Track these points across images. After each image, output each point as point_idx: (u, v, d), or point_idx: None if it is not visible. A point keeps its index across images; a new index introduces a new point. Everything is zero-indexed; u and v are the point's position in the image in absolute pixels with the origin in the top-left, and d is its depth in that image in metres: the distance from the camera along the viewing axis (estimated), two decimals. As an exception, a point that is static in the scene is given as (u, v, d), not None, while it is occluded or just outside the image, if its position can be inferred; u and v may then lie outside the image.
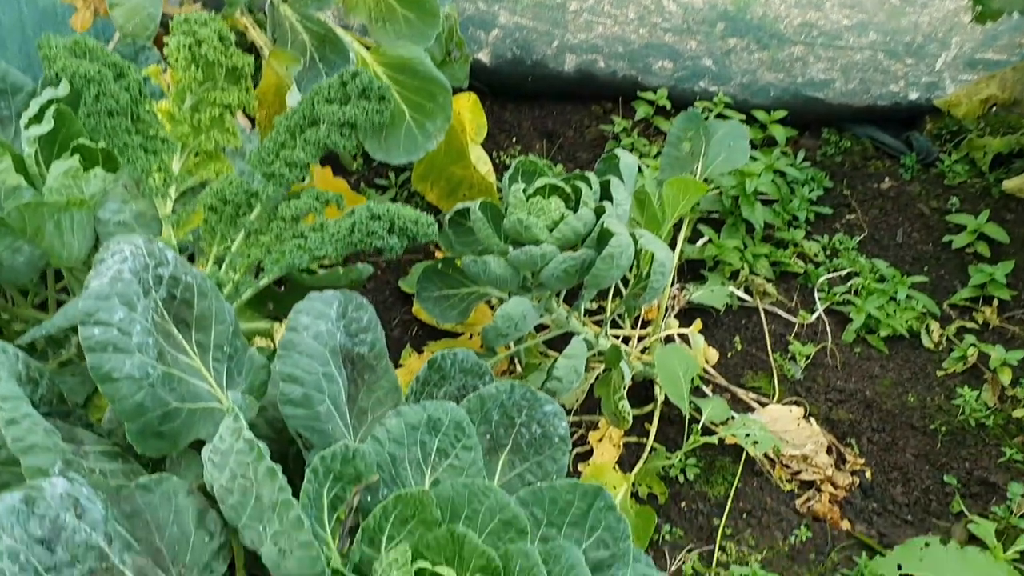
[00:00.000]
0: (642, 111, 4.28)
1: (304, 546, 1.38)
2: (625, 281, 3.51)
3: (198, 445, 1.73)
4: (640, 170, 3.17)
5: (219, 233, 2.07)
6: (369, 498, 1.82)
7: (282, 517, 1.37)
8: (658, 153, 4.01)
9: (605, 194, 2.83)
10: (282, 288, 3.25)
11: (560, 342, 3.43)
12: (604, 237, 2.65)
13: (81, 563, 1.27)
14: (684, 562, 2.86)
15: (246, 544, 1.46)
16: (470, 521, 1.79)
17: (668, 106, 4.25)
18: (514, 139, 4.25)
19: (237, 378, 1.78)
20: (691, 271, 3.80)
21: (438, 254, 3.70)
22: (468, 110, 3.34)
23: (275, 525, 1.38)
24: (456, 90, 3.19)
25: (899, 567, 2.69)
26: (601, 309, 3.62)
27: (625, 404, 2.79)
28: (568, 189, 2.78)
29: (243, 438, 1.35)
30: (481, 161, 3.40)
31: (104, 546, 1.30)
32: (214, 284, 1.75)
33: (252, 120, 3.27)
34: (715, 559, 2.87)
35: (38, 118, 2.15)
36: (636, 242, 2.68)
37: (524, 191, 2.78)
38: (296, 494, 1.48)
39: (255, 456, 1.35)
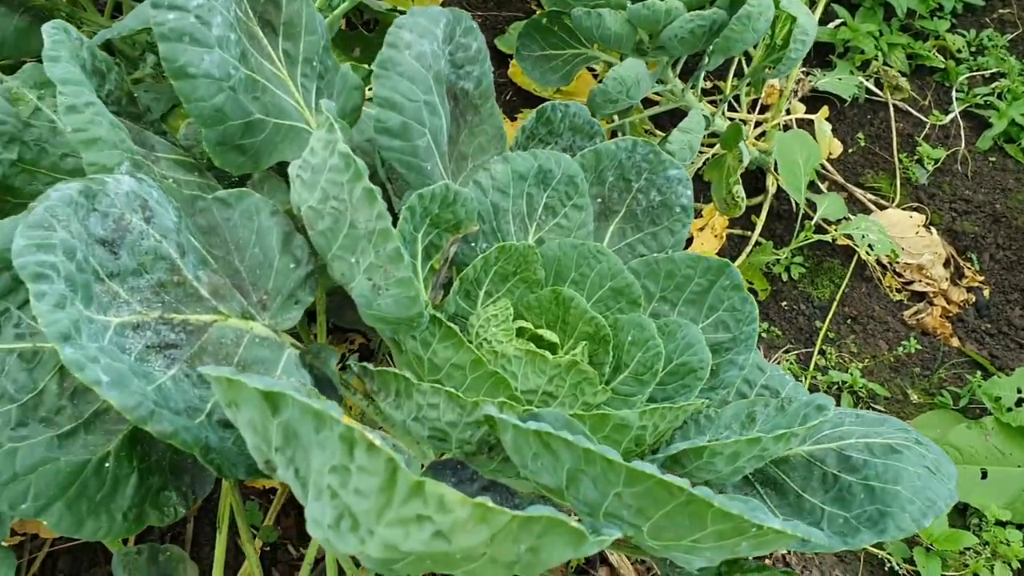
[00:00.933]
0: None
1: (402, 283, 1.19)
2: (747, 59, 3.18)
3: (279, 170, 1.53)
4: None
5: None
6: (466, 252, 1.63)
7: (378, 248, 1.17)
8: (796, -81, 3.54)
9: (743, -52, 2.45)
10: (371, 32, 2.99)
11: (668, 120, 3.15)
12: (741, -6, 2.31)
13: (149, 273, 1.09)
14: (780, 362, 2.68)
15: (336, 277, 1.28)
16: (577, 286, 1.60)
17: None
18: None
19: (327, 100, 1.55)
20: (818, 56, 3.43)
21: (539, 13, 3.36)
22: None
23: (369, 257, 1.19)
24: None
25: (1019, 390, 2.47)
26: (716, 90, 3.30)
27: (739, 188, 2.54)
28: (704, -64, 2.41)
29: (338, 152, 1.14)
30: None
31: (176, 257, 1.12)
32: (305, -13, 1.50)
33: None
34: (813, 362, 2.68)
35: None
36: (776, 4, 2.34)
37: (653, -66, 2.41)
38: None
39: (351, 175, 1.14)
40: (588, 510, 1.03)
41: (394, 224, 1.20)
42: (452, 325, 1.29)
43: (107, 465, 1.16)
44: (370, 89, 1.73)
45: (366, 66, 2.34)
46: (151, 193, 1.11)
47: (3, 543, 1.95)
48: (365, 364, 1.26)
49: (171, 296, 1.11)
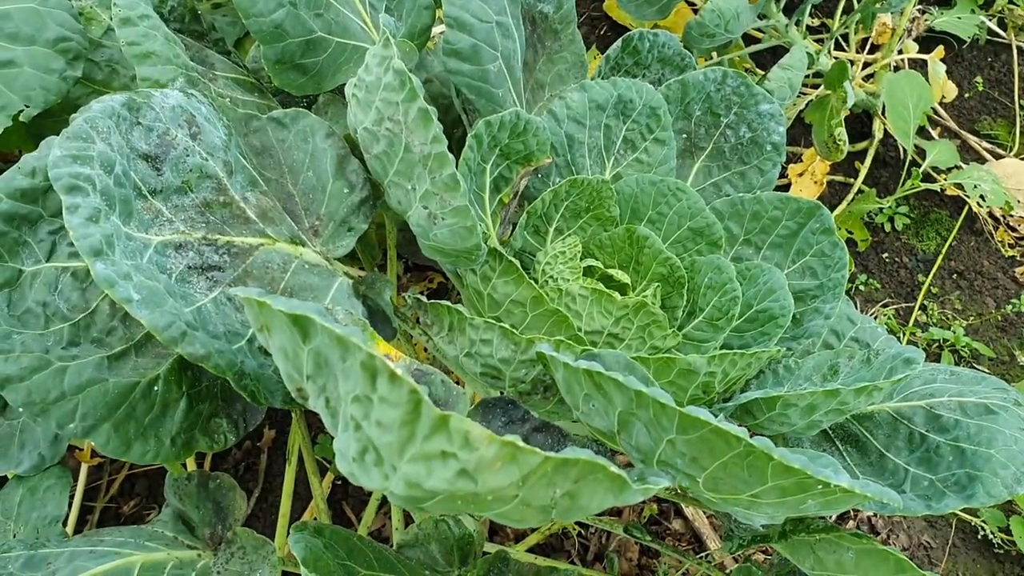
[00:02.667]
0: None
1: (458, 212, 1.13)
2: (858, -7, 2.98)
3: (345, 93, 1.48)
4: None
5: None
6: (537, 186, 1.55)
7: (434, 174, 1.11)
8: None
9: None
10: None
11: (769, 58, 2.99)
12: (852, -81, 2.14)
13: (193, 192, 1.05)
14: (877, 316, 2.54)
15: (393, 205, 1.23)
16: (653, 225, 1.51)
17: None
18: None
19: (396, 23, 1.49)
20: (937, -8, 3.20)
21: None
22: None
23: (425, 183, 1.13)
24: None
25: None
26: (823, 27, 3.12)
27: (842, 131, 2.38)
28: None
29: (392, 69, 1.07)
30: None
31: (222, 176, 1.08)
32: (378, -98, 1.43)
33: None
34: (913, 318, 2.53)
35: None
36: (891, -70, 2.17)
37: None
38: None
39: (406, 94, 1.08)
40: (641, 457, 0.96)
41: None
42: (512, 259, 1.22)
43: (156, 389, 1.14)
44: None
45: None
46: (199, 109, 1.07)
47: (82, 464, 2.00)
48: (419, 297, 1.21)
49: (216, 217, 1.08)
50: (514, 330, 1.09)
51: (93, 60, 1.51)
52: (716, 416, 0.98)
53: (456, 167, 1.13)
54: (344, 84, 1.41)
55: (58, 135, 1.41)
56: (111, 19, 1.60)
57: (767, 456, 0.82)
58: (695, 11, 3.08)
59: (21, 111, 1.33)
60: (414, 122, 1.09)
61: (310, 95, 1.42)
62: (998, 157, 2.85)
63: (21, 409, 1.08)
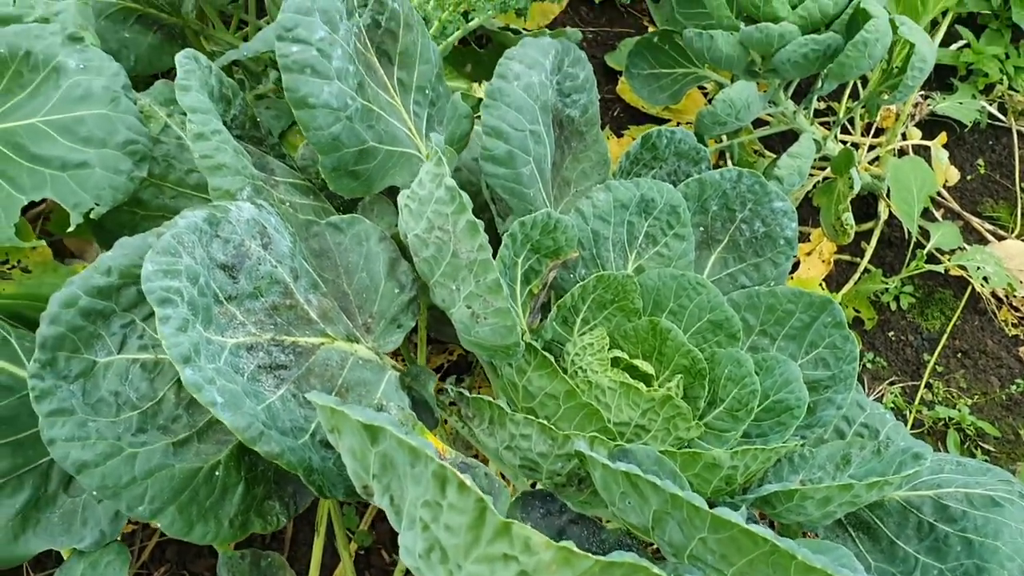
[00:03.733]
0: None
1: (500, 313, 1.23)
2: (863, 80, 3.12)
3: (389, 193, 1.59)
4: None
5: (429, -37, 1.85)
6: (564, 277, 1.66)
7: (479, 278, 1.21)
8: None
9: (861, -28, 2.41)
10: (483, 47, 3.04)
11: (778, 141, 3.11)
12: (857, 20, 2.27)
13: (264, 296, 1.15)
14: (883, 394, 2.62)
15: (436, 303, 1.33)
16: (675, 316, 1.60)
17: None
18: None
19: (437, 127, 1.60)
20: (939, 78, 3.33)
21: (651, 31, 3.36)
22: None
23: (470, 286, 1.23)
24: None
25: None
26: (830, 110, 3.25)
27: (849, 215, 2.49)
28: (819, -39, 2.38)
29: (444, 185, 1.18)
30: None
31: (289, 281, 1.19)
32: (420, 18, 1.55)
33: None
34: (919, 396, 2.61)
35: None
36: (895, 30, 2.29)
37: (767, -42, 2.39)
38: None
39: (456, 207, 1.19)
40: (673, 551, 1.04)
41: (497, 245, 1.24)
42: (547, 355, 1.31)
43: (217, 473, 1.23)
44: (478, 116, 1.78)
45: (475, 86, 2.39)
46: (269, 220, 1.18)
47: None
48: (462, 391, 1.30)
49: (283, 319, 1.17)
50: (552, 426, 1.18)
51: (152, 156, 1.62)
52: (739, 507, 1.06)
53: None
54: (390, 186, 1.52)
55: (117, 226, 1.52)
56: (167, 116, 1.72)
57: (791, 556, 0.91)
58: (705, 95, 3.21)
59: (92, 209, 1.44)
60: (462, 232, 1.19)
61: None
62: (1000, 238, 2.95)
63: (95, 492, 1.17)
